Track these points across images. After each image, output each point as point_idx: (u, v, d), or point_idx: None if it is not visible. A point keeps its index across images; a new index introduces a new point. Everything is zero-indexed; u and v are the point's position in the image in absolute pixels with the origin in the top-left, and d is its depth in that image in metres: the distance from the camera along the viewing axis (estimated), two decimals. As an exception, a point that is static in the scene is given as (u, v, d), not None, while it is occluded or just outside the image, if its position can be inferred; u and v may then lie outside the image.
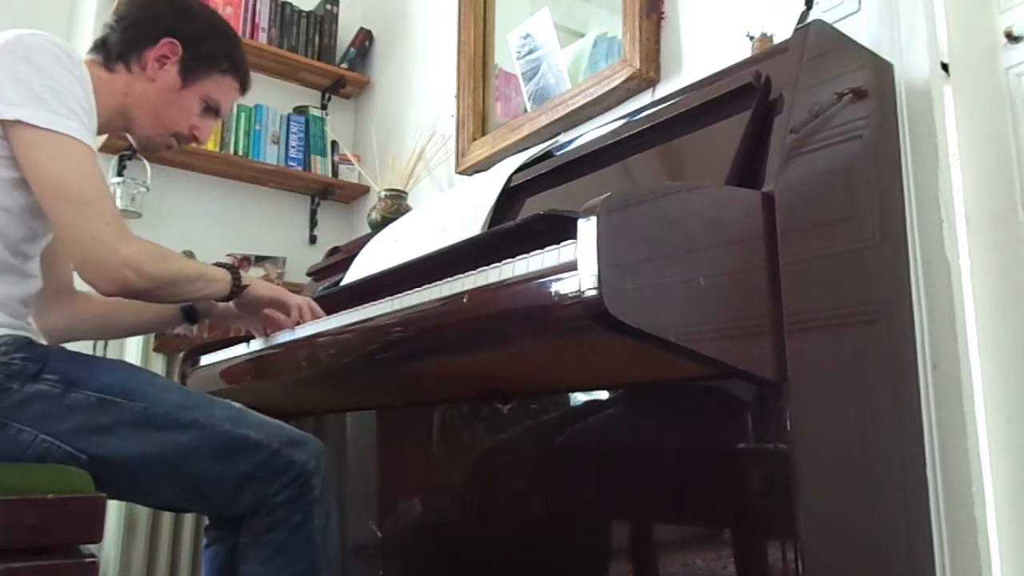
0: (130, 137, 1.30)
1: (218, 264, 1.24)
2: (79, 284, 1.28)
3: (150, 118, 1.25)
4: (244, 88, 1.35)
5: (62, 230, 1.04)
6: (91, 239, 1.01)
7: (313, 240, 2.81)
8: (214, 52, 1.28)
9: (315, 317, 1.33)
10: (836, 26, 1.20)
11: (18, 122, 1.00)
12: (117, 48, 1.23)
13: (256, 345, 1.43)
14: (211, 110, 1.31)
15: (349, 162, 2.77)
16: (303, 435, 1.11)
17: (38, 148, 1.01)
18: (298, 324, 1.32)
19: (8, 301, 1.07)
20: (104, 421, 1.01)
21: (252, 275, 1.45)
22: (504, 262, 0.90)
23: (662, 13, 1.69)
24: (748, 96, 1.06)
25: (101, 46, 1.24)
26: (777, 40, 1.31)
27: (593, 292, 0.75)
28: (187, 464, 1.04)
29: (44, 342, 1.13)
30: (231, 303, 1.26)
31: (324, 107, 2.89)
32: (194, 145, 2.43)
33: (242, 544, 1.08)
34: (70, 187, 1.02)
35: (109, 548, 1.98)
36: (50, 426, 0.99)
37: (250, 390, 1.51)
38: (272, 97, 2.74)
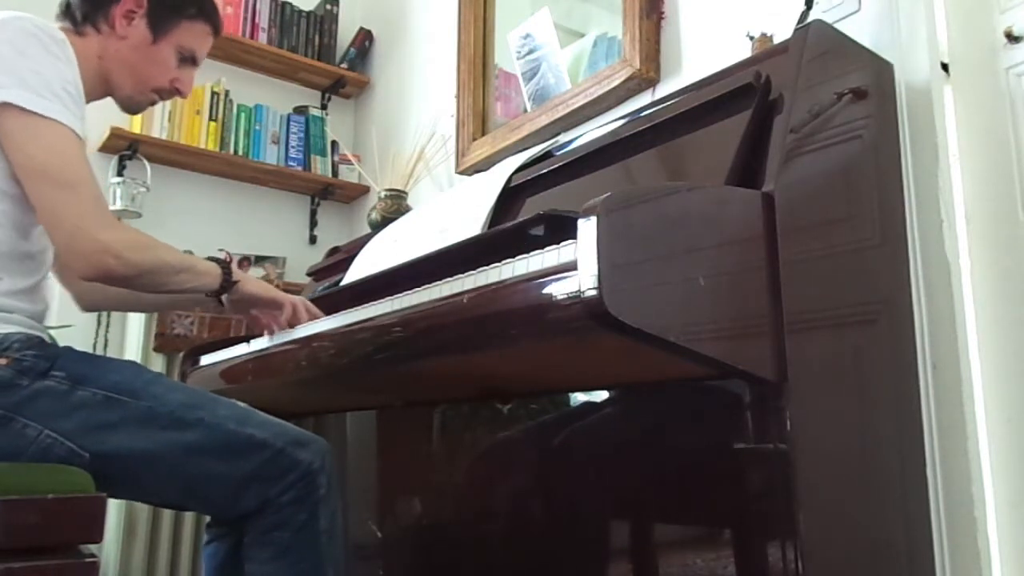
0: (114, 100, 1.28)
1: (210, 258, 1.23)
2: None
3: (129, 77, 1.23)
4: (216, 30, 1.32)
5: (44, 214, 1.03)
6: (73, 224, 1.01)
7: (313, 240, 2.81)
8: None
9: (312, 317, 1.32)
10: (836, 26, 1.20)
11: (4, 104, 1.00)
12: (82, 10, 1.21)
13: (256, 345, 1.43)
14: (188, 60, 1.28)
15: (349, 162, 2.77)
16: (308, 435, 1.11)
17: (22, 131, 1.01)
18: (292, 325, 1.31)
19: (26, 292, 1.07)
20: (109, 419, 1.01)
21: (252, 274, 1.43)
22: (504, 262, 0.90)
23: (662, 13, 1.69)
24: (748, 96, 1.06)
25: (66, 11, 1.22)
26: (777, 40, 1.31)
27: (593, 292, 0.75)
28: (191, 463, 1.04)
29: (52, 341, 1.13)
30: (223, 299, 1.25)
31: (324, 107, 2.89)
32: (194, 145, 2.49)
33: (246, 543, 1.08)
34: (53, 171, 1.01)
35: (109, 548, 1.98)
36: (56, 422, 0.99)
37: (250, 390, 1.51)
38: (272, 97, 2.74)
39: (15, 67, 1.01)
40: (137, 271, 1.07)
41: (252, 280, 1.28)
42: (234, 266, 1.24)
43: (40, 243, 1.11)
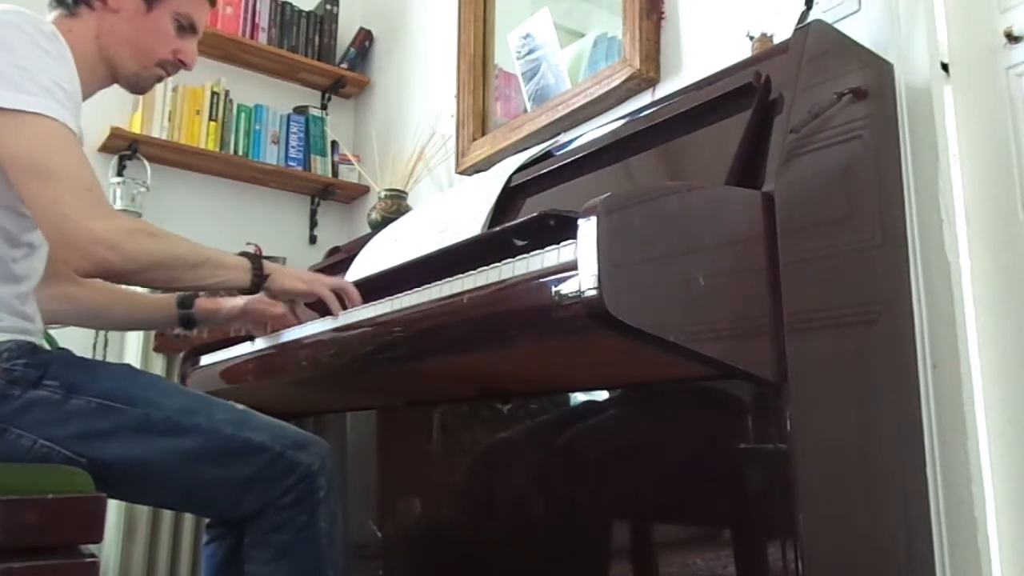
0: (119, 83, 1.23)
1: (241, 253, 1.18)
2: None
3: (128, 51, 1.19)
4: None
5: (31, 207, 0.99)
6: (61, 215, 0.96)
7: (313, 240, 2.81)
8: None
9: (351, 302, 1.25)
10: (836, 26, 1.20)
11: None
12: None
13: (256, 345, 1.43)
14: (187, 28, 1.23)
15: (349, 162, 2.77)
16: (308, 436, 1.10)
17: (4, 128, 0.96)
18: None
19: (11, 301, 1.04)
20: (105, 427, 1.00)
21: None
22: (504, 262, 0.90)
23: (662, 13, 1.69)
24: (748, 96, 1.06)
25: None
26: (777, 40, 1.31)
27: (593, 292, 0.75)
28: (189, 468, 1.03)
29: (47, 346, 1.11)
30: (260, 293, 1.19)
31: (324, 107, 2.89)
32: (194, 145, 2.48)
33: (246, 544, 1.08)
34: (35, 162, 0.96)
35: (109, 548, 1.98)
36: (50, 431, 0.97)
37: (250, 390, 1.51)
38: (272, 97, 2.74)
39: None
40: (139, 264, 1.01)
41: (286, 273, 1.20)
42: (265, 261, 1.17)
43: (36, 251, 1.09)
